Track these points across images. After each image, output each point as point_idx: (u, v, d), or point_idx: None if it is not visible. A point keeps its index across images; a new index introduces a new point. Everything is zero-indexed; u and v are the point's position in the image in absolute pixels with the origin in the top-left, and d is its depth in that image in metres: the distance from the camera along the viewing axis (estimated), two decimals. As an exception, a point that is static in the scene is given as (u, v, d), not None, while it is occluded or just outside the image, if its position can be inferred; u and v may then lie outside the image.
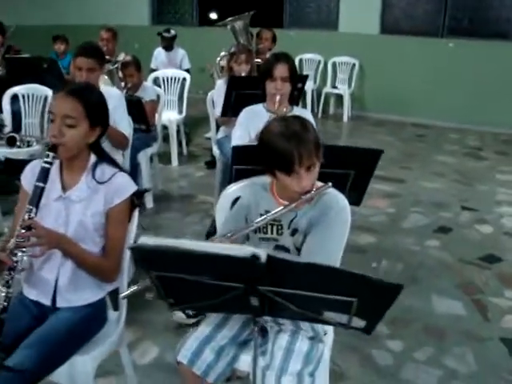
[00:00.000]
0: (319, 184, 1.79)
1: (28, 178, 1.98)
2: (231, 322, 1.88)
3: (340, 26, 7.89)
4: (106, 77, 4.50)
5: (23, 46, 5.82)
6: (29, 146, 4.47)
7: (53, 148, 1.83)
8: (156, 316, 2.91)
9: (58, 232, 1.88)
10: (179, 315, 2.81)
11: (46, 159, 1.81)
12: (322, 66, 7.97)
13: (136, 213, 2.07)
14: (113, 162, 2.04)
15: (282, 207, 1.76)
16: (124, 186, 1.97)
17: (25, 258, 1.78)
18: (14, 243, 1.76)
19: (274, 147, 1.71)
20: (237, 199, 2.00)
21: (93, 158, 1.99)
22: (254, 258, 1.23)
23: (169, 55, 6.57)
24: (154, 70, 6.17)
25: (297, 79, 3.18)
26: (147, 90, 4.46)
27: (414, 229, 4.16)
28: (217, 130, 4.52)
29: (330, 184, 1.79)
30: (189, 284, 1.38)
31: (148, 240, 1.31)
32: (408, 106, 7.69)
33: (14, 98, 4.66)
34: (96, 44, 3.50)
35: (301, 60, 7.93)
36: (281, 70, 3.00)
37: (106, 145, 3.08)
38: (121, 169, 2.02)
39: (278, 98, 3.03)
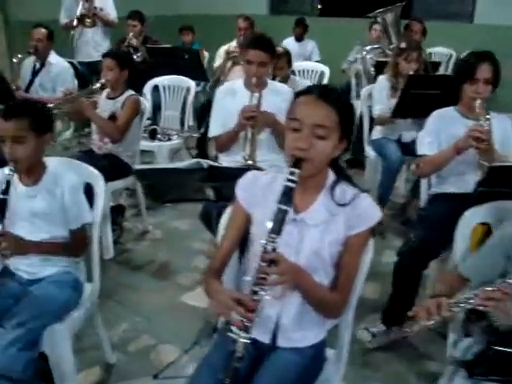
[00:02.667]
0: None
1: (247, 192, 1.71)
2: None
3: (476, 18, 7.24)
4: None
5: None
6: (169, 139, 4.31)
7: (298, 163, 1.53)
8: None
9: (299, 266, 1.59)
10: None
11: (290, 177, 1.52)
12: (453, 60, 7.36)
13: (371, 241, 1.76)
14: (351, 181, 1.73)
15: None
16: (370, 211, 1.65)
17: (266, 297, 1.50)
18: (254, 280, 1.49)
19: None
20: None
21: (331, 175, 1.68)
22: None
23: (299, 46, 6.26)
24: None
25: (499, 82, 2.76)
26: (296, 84, 4.14)
27: None
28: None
29: None
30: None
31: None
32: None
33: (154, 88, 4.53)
34: (267, 35, 3.20)
35: (430, 54, 7.35)
36: (484, 71, 2.60)
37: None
38: (361, 189, 1.71)
39: (478, 102, 2.63)
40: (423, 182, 2.97)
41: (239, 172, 1.82)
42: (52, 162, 2.15)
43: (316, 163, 1.57)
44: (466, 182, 2.70)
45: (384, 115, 3.82)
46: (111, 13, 5.62)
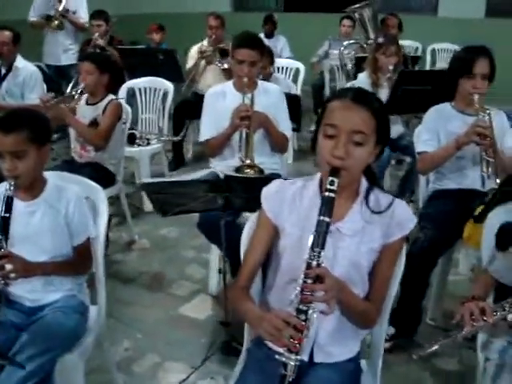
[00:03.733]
0: None
1: (274, 202, 1.62)
2: None
3: (440, 11, 7.32)
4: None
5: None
6: (148, 143, 4.16)
7: (336, 172, 1.45)
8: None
9: (342, 280, 1.50)
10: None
11: (329, 187, 1.43)
12: (419, 53, 7.42)
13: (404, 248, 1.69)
14: (382, 187, 1.66)
15: None
16: (406, 218, 1.58)
17: (314, 315, 1.41)
18: (299, 298, 1.39)
19: None
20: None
21: (364, 182, 1.61)
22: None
23: (269, 42, 6.15)
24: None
25: (494, 76, 2.75)
26: (280, 83, 4.05)
27: None
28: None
29: None
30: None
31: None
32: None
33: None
34: (255, 34, 3.11)
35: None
36: (481, 66, 2.60)
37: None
38: (395, 196, 1.64)
39: (476, 97, 2.62)
40: (422, 180, 2.94)
41: (257, 181, 1.74)
42: (50, 176, 1.99)
43: (354, 171, 1.49)
44: (466, 177, 2.69)
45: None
46: (83, 17, 5.42)
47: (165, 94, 4.25)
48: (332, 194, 1.41)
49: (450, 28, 7.14)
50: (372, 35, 4.69)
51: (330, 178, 1.43)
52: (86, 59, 3.25)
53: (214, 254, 2.94)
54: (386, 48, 3.71)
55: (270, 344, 1.64)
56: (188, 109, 4.73)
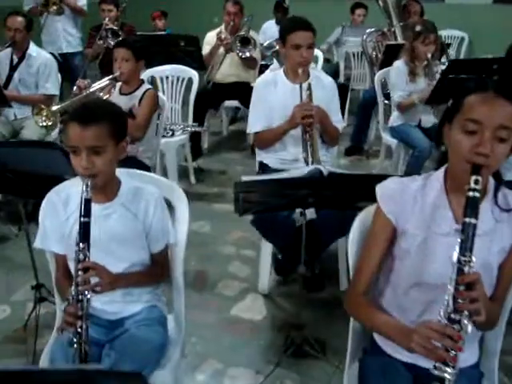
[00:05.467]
0: None
1: (395, 203, 1.49)
2: None
3: (447, -3, 7.24)
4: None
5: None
6: (173, 134, 3.98)
7: (478, 170, 1.32)
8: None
9: None
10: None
11: (473, 186, 1.30)
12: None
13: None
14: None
15: None
16: None
17: (469, 325, 1.28)
18: (451, 306, 1.27)
19: None
20: None
21: (491, 179, 1.49)
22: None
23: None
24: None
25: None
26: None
27: None
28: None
29: None
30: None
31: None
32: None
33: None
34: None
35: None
36: None
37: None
38: None
39: None
40: None
41: (361, 178, 1.61)
42: (122, 175, 1.81)
43: (493, 168, 1.39)
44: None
45: (405, 101, 3.68)
46: (80, 0, 5.18)
47: (188, 83, 4.06)
48: (477, 194, 1.30)
49: (457, 14, 7.04)
50: (395, 22, 4.56)
51: (474, 177, 1.31)
52: (121, 45, 3.05)
53: (266, 251, 2.79)
54: (425, 36, 3.59)
55: (390, 351, 1.54)
56: (206, 98, 4.54)
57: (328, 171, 1.76)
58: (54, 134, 4.06)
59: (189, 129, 3.90)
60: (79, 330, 1.50)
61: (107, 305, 1.74)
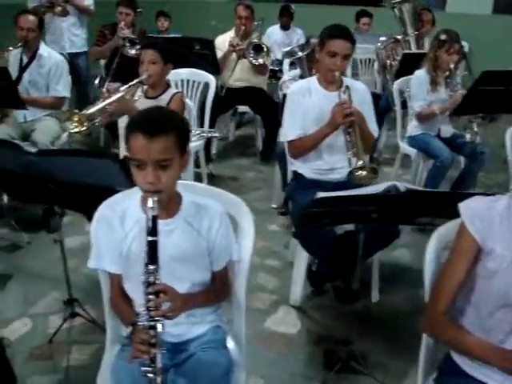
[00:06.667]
0: None
1: (482, 222, 1.45)
2: None
3: (447, 6, 7.28)
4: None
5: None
6: (189, 140, 3.87)
7: None
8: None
9: None
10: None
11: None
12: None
13: None
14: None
15: None
16: None
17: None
18: None
19: None
20: None
21: None
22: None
23: (285, 35, 5.95)
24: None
25: None
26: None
27: None
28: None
29: None
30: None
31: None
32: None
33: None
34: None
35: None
36: None
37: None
38: None
39: None
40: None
41: (442, 196, 1.55)
42: (181, 188, 1.67)
43: None
44: None
45: (425, 111, 3.65)
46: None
47: (206, 87, 3.98)
48: None
49: (457, 24, 7.07)
50: (410, 30, 4.55)
51: None
52: (149, 47, 2.95)
53: (301, 263, 2.73)
54: (449, 45, 3.57)
55: (468, 370, 1.50)
56: (219, 103, 4.46)
57: (405, 187, 1.70)
58: (64, 137, 3.97)
59: (205, 134, 3.80)
60: (153, 358, 1.40)
61: (172, 327, 1.61)
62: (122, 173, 1.87)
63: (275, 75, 5.17)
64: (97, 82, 4.46)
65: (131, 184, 1.91)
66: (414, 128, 3.84)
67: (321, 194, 1.68)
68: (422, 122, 3.76)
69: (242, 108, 4.93)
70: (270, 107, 4.55)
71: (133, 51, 4.41)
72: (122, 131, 3.19)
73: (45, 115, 3.83)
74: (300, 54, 3.69)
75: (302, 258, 2.71)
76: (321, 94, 2.73)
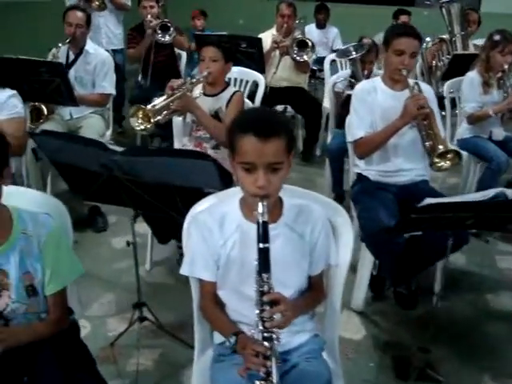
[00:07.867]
0: None
1: None
2: None
3: (482, 6, 7.19)
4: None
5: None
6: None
7: None
8: None
9: None
10: None
11: None
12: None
13: None
14: None
15: None
16: None
17: None
18: None
19: None
20: None
21: None
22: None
23: (321, 33, 5.89)
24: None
25: None
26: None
27: None
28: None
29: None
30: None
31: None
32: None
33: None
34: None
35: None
36: None
37: None
38: None
39: None
40: None
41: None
42: (281, 192, 1.62)
43: None
44: None
45: (478, 113, 3.58)
46: None
47: (255, 86, 3.93)
48: None
49: (492, 23, 6.99)
50: (457, 31, 4.49)
51: None
52: (211, 44, 2.90)
53: (366, 269, 2.67)
54: (503, 46, 3.50)
55: None
56: (262, 103, 4.40)
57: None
58: (108, 135, 3.93)
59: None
60: (269, 371, 1.34)
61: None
62: (218, 174, 1.82)
63: (314, 75, 5.11)
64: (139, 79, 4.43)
65: (223, 185, 1.89)
66: (465, 130, 3.77)
67: (429, 200, 1.63)
68: (474, 125, 3.69)
69: (278, 107, 4.86)
70: (313, 107, 4.49)
71: (167, 37, 4.41)
72: (176, 129, 3.15)
73: (90, 112, 3.80)
74: (354, 54, 3.62)
75: (366, 263, 2.66)
76: (387, 93, 2.68)
